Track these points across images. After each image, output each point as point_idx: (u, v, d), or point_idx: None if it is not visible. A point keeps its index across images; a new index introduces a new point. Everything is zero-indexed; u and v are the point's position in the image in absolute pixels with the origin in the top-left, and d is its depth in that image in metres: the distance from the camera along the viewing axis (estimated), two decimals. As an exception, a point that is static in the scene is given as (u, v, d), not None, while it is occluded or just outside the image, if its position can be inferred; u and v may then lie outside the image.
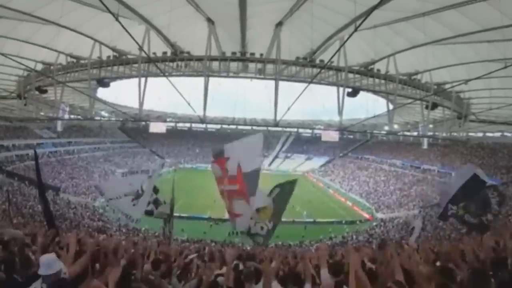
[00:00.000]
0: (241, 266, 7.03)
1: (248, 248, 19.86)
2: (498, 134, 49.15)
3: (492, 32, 18.75)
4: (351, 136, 79.66)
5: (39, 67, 28.96)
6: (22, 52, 25.85)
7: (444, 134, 39.52)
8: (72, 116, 49.25)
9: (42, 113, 39.78)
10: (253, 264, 7.05)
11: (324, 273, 3.66)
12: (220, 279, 5.25)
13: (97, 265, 4.61)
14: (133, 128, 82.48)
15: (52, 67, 28.57)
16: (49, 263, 3.33)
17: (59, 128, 45.57)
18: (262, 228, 9.63)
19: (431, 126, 38.08)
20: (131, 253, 5.94)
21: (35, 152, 13.13)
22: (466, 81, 16.67)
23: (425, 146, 44.06)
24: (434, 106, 27.81)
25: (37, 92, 29.58)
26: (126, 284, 3.65)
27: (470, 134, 44.09)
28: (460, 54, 23.69)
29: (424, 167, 51.84)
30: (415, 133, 50.04)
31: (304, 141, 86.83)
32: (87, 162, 56.10)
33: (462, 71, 25.00)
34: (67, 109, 41.44)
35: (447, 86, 26.89)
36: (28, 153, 45.20)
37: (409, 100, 27.28)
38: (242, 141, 9.13)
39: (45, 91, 29.59)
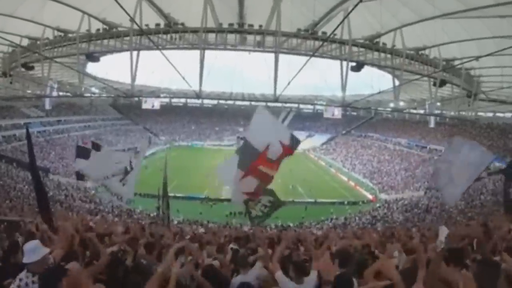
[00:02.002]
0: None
1: (246, 229, 20.35)
2: (509, 115, 49.20)
3: (506, 7, 18.51)
4: (355, 113, 79.74)
5: (25, 42, 28.47)
6: (6, 27, 25.38)
7: (452, 113, 39.63)
8: (61, 93, 48.93)
9: (29, 91, 39.52)
10: (250, 248, 7.33)
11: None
12: (216, 262, 5.48)
13: (87, 253, 4.81)
14: (125, 105, 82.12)
15: (38, 42, 28.16)
16: (33, 250, 3.38)
17: (47, 106, 45.21)
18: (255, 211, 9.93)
19: (438, 104, 38.07)
20: (124, 239, 6.16)
21: (27, 130, 13.03)
22: (476, 58, 16.54)
23: (432, 125, 44.08)
24: (443, 83, 27.77)
25: (23, 69, 29.34)
26: (114, 273, 3.82)
27: (480, 113, 44.26)
28: (471, 29, 23.45)
29: (431, 146, 52.14)
30: (422, 111, 49.97)
31: (305, 118, 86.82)
32: (77, 141, 56.02)
33: (473, 47, 24.79)
34: (56, 86, 41.20)
35: (456, 62, 26.68)
36: (15, 134, 45.19)
37: (416, 76, 27.20)
38: (258, 124, 8.81)
39: (32, 68, 29.37)
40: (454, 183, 9.04)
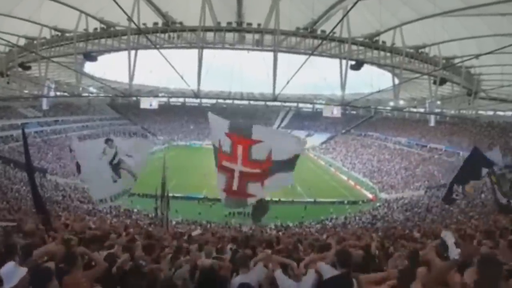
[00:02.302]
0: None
1: (245, 230, 20.38)
2: (509, 113, 49.11)
3: (506, 5, 18.52)
4: (354, 112, 79.72)
5: (22, 42, 28.52)
6: (2, 26, 25.37)
7: (453, 112, 39.75)
8: (58, 93, 48.85)
9: (26, 91, 39.42)
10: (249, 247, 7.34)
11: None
12: (214, 263, 5.47)
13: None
14: (123, 104, 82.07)
15: (35, 42, 28.16)
16: (10, 274, 3.19)
17: (44, 107, 45.15)
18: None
19: (438, 102, 38.15)
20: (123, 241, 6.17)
21: (23, 131, 12.96)
22: (477, 56, 16.63)
23: (432, 124, 44.14)
24: (443, 81, 27.77)
25: (20, 69, 29.31)
26: (110, 276, 3.84)
27: (480, 112, 44.33)
28: (471, 27, 23.46)
29: (431, 145, 52.19)
30: (422, 110, 50.05)
31: (304, 117, 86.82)
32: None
33: (473, 45, 24.84)
34: (53, 86, 41.09)
35: (456, 60, 26.76)
36: (12, 134, 45.06)
37: (416, 75, 27.21)
38: (275, 131, 9.51)
39: (29, 68, 29.35)
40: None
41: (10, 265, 3.29)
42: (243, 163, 8.56)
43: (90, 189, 9.61)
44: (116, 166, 9.09)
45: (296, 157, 8.68)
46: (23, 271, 3.25)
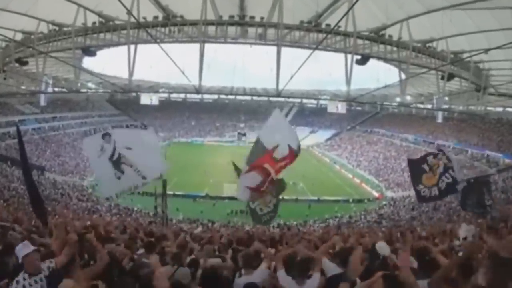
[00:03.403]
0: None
1: (248, 228, 20.43)
2: (519, 109, 48.98)
3: (516, -2, 18.51)
4: (360, 108, 79.54)
5: (19, 36, 28.59)
6: (-1, 21, 25.56)
7: (461, 108, 39.57)
8: (56, 89, 49.06)
9: (23, 87, 39.59)
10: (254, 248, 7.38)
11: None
12: (217, 262, 5.52)
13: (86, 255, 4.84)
14: (123, 100, 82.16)
15: (32, 36, 28.20)
16: (23, 246, 3.55)
17: (42, 103, 45.46)
18: (261, 209, 10.09)
19: (446, 98, 38.03)
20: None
21: (18, 128, 12.95)
22: (486, 51, 16.60)
23: (439, 120, 44.05)
24: (451, 76, 27.70)
25: (17, 64, 29.45)
26: (109, 275, 3.88)
27: (489, 108, 44.04)
28: (480, 20, 23.37)
29: (439, 142, 52.02)
30: (429, 106, 49.91)
31: (308, 113, 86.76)
32: (74, 139, 56.19)
33: (482, 40, 24.70)
34: (51, 81, 41.26)
35: (465, 55, 26.62)
36: (9, 131, 45.21)
37: (423, 70, 27.15)
38: (273, 125, 9.39)
39: (26, 63, 29.37)
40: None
41: (20, 244, 3.61)
42: (277, 172, 8.77)
43: (99, 187, 9.56)
44: (117, 162, 8.86)
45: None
46: (30, 248, 3.52)
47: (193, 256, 5.91)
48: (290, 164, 8.70)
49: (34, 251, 3.52)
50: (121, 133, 9.12)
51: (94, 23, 27.28)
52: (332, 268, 4.04)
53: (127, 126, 9.43)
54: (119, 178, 8.87)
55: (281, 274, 4.02)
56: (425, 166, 10.18)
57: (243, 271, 4.54)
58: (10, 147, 41.21)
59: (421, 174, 10.22)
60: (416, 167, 10.58)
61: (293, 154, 8.61)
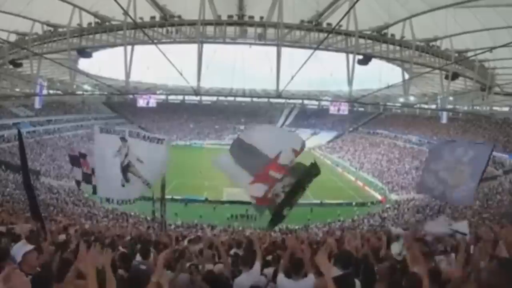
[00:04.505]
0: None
1: (248, 233, 20.41)
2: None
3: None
4: (362, 109, 79.43)
5: (13, 38, 28.64)
6: (-8, 22, 25.62)
7: (466, 108, 39.59)
8: (51, 92, 48.97)
9: (17, 89, 39.61)
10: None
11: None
12: (217, 267, 5.54)
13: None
14: (120, 103, 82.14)
15: (27, 38, 28.30)
16: (21, 246, 3.77)
17: (37, 105, 45.36)
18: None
19: (451, 98, 38.07)
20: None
21: (19, 132, 12.91)
22: (491, 49, 16.60)
23: (444, 121, 44.14)
24: (455, 76, 27.73)
25: (11, 66, 29.41)
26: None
27: (495, 108, 44.02)
28: (485, 18, 23.43)
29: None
30: (433, 106, 49.90)
31: (309, 114, 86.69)
32: (69, 142, 56.08)
33: (487, 38, 24.74)
34: (45, 83, 41.23)
35: (469, 54, 26.70)
36: (3, 135, 45.14)
37: (427, 69, 27.22)
38: (265, 132, 9.30)
39: (20, 65, 29.35)
40: (449, 184, 8.91)
41: (19, 243, 3.92)
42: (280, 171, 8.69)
43: (97, 184, 9.43)
44: (125, 169, 8.91)
45: None
46: (29, 246, 3.71)
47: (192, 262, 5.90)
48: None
49: (33, 249, 3.67)
50: (137, 144, 9.09)
51: (89, 23, 27.36)
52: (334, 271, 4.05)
53: (147, 138, 9.29)
54: (123, 185, 8.93)
55: (280, 277, 4.10)
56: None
57: (242, 270, 4.68)
58: (4, 151, 41.14)
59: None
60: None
61: (298, 152, 8.44)
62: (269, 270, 5.04)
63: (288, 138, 8.85)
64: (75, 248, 5.05)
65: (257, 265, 4.57)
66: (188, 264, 5.46)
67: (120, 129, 9.23)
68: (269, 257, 7.18)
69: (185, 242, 9.85)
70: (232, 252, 7.98)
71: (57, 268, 3.85)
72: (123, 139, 8.85)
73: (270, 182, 8.52)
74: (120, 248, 7.42)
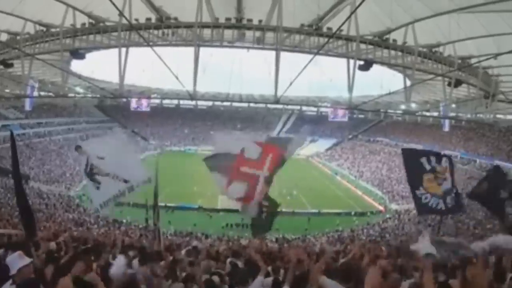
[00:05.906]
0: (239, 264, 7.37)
1: (244, 242, 20.27)
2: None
3: (527, 1, 18.66)
4: (362, 116, 79.61)
5: (4, 37, 28.57)
6: (-18, 21, 25.55)
7: (469, 116, 39.69)
8: (42, 93, 48.79)
9: (7, 90, 39.46)
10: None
11: None
12: (215, 278, 5.47)
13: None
14: (113, 106, 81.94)
15: (18, 37, 28.25)
16: (18, 257, 3.73)
17: (27, 107, 45.01)
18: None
19: (453, 106, 38.23)
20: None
21: (12, 135, 12.75)
22: (495, 56, 16.68)
23: (446, 129, 44.19)
24: (458, 83, 27.84)
25: (1, 66, 29.29)
26: None
27: (498, 116, 44.24)
28: (489, 24, 23.56)
29: (445, 152, 51.86)
30: (436, 114, 50.16)
31: (308, 121, 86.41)
32: (60, 146, 55.90)
33: (491, 44, 24.88)
34: (37, 85, 41.03)
35: (473, 60, 26.83)
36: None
37: (430, 76, 27.28)
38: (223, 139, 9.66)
39: (11, 65, 29.21)
40: None
41: (15, 254, 3.81)
42: (269, 169, 8.60)
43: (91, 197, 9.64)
44: (90, 174, 8.97)
45: None
46: (26, 260, 3.73)
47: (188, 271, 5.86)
48: (278, 156, 8.63)
49: (30, 263, 3.71)
50: (91, 143, 9.25)
51: (83, 24, 27.33)
52: (333, 286, 4.01)
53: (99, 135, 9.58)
54: (97, 188, 9.01)
55: None
56: (425, 163, 8.70)
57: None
58: (-8, 154, 40.90)
59: (421, 173, 8.73)
60: (413, 161, 8.98)
61: (271, 147, 8.66)
62: (268, 281, 4.96)
63: (249, 135, 9.10)
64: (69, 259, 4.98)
65: (259, 279, 4.51)
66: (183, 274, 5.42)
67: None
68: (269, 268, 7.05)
69: (182, 253, 9.76)
70: (228, 261, 7.91)
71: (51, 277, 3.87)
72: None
73: (248, 179, 8.59)
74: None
